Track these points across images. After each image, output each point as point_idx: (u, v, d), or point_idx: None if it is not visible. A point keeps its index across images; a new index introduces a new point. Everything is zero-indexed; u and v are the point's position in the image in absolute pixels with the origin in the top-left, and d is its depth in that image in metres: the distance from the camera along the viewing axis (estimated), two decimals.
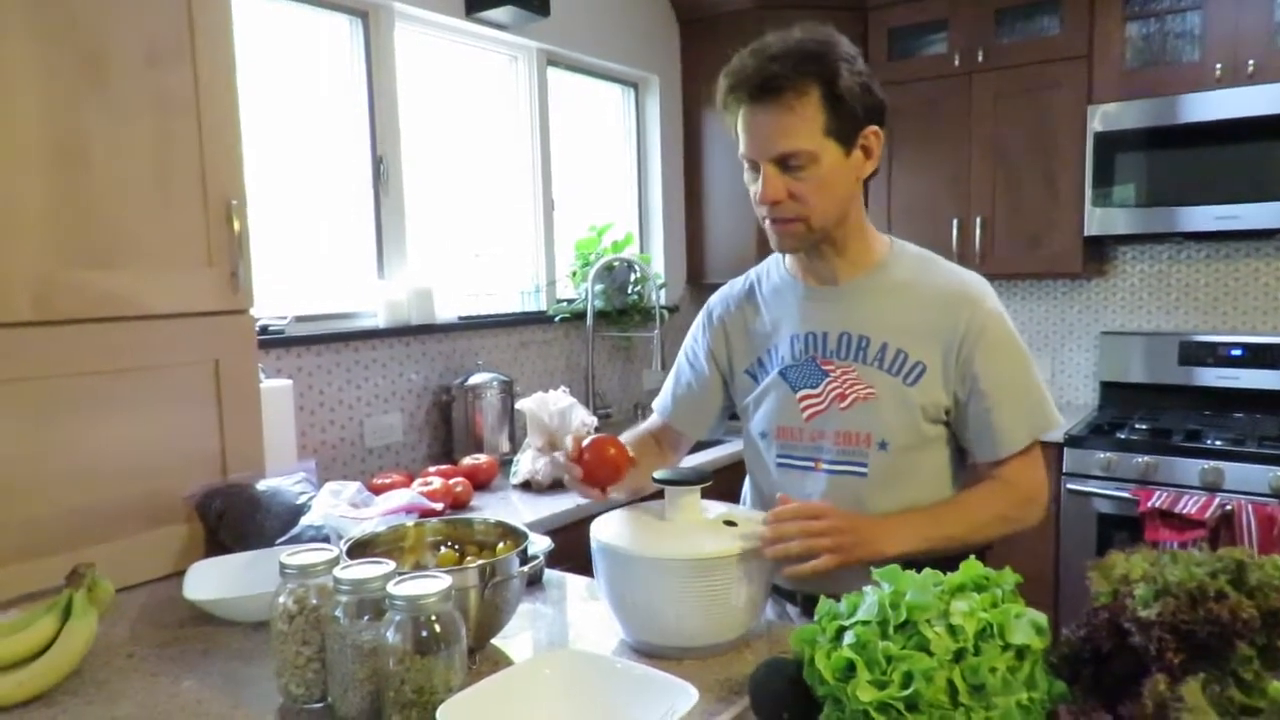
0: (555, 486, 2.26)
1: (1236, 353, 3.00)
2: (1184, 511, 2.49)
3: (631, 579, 1.09)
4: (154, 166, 1.49)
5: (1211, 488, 2.54)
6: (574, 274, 3.19)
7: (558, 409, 2.36)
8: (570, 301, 3.16)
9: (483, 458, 2.37)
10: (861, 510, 1.27)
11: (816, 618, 0.87)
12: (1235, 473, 2.52)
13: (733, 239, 3.53)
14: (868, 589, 0.86)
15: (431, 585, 0.89)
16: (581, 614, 1.30)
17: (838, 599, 0.87)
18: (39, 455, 1.37)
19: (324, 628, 0.96)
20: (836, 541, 1.12)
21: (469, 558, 1.20)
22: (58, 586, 1.15)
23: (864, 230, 1.33)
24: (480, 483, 2.30)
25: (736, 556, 1.07)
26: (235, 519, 1.50)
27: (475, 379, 2.58)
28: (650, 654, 1.09)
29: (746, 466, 1.49)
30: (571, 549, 1.63)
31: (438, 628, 0.88)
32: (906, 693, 0.75)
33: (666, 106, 3.56)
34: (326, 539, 1.46)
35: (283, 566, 0.99)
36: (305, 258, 2.40)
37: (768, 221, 1.28)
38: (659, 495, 1.17)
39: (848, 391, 1.30)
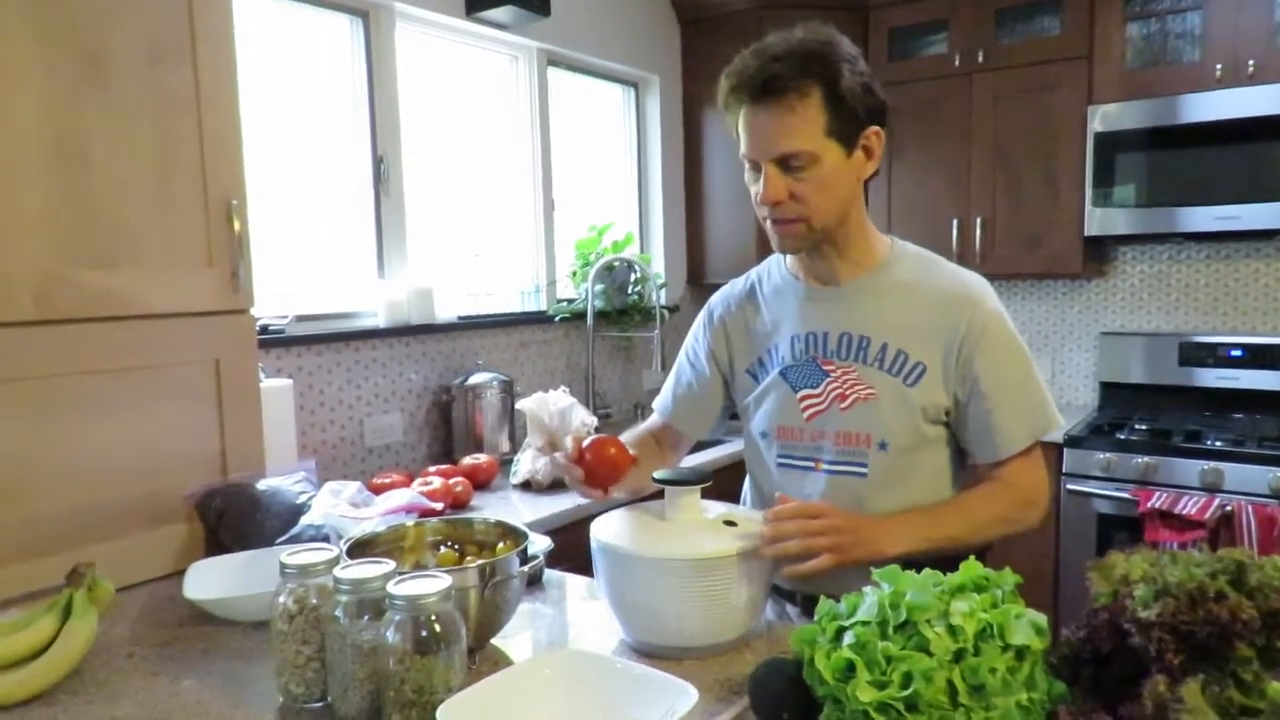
0: (555, 486, 2.26)
1: (1236, 353, 3.00)
2: (1184, 512, 2.49)
3: (631, 579, 1.09)
4: (155, 166, 1.49)
5: (1211, 488, 2.54)
6: (574, 274, 3.19)
7: (558, 409, 2.36)
8: (570, 301, 3.16)
9: (483, 457, 2.37)
10: (861, 510, 1.27)
11: (816, 618, 0.87)
12: (1235, 473, 2.52)
13: (733, 239, 3.53)
14: (867, 589, 0.86)
15: (431, 585, 0.89)
16: (581, 614, 1.30)
17: (837, 599, 0.87)
18: (39, 454, 1.37)
19: (324, 627, 0.96)
20: (835, 541, 1.12)
21: (469, 557, 1.20)
22: (58, 586, 1.16)
23: (865, 230, 1.33)
24: (480, 482, 2.30)
25: (736, 556, 1.07)
26: (235, 518, 1.50)
27: (475, 379, 2.58)
28: (650, 654, 1.09)
29: (747, 466, 1.49)
30: (571, 549, 1.63)
31: (438, 627, 0.88)
32: (906, 693, 0.75)
33: (667, 106, 3.56)
34: (326, 539, 1.46)
35: (283, 566, 0.99)
36: (305, 257, 2.40)
37: (769, 222, 1.28)
38: (659, 495, 1.17)
39: (848, 392, 1.30)
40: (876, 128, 1.26)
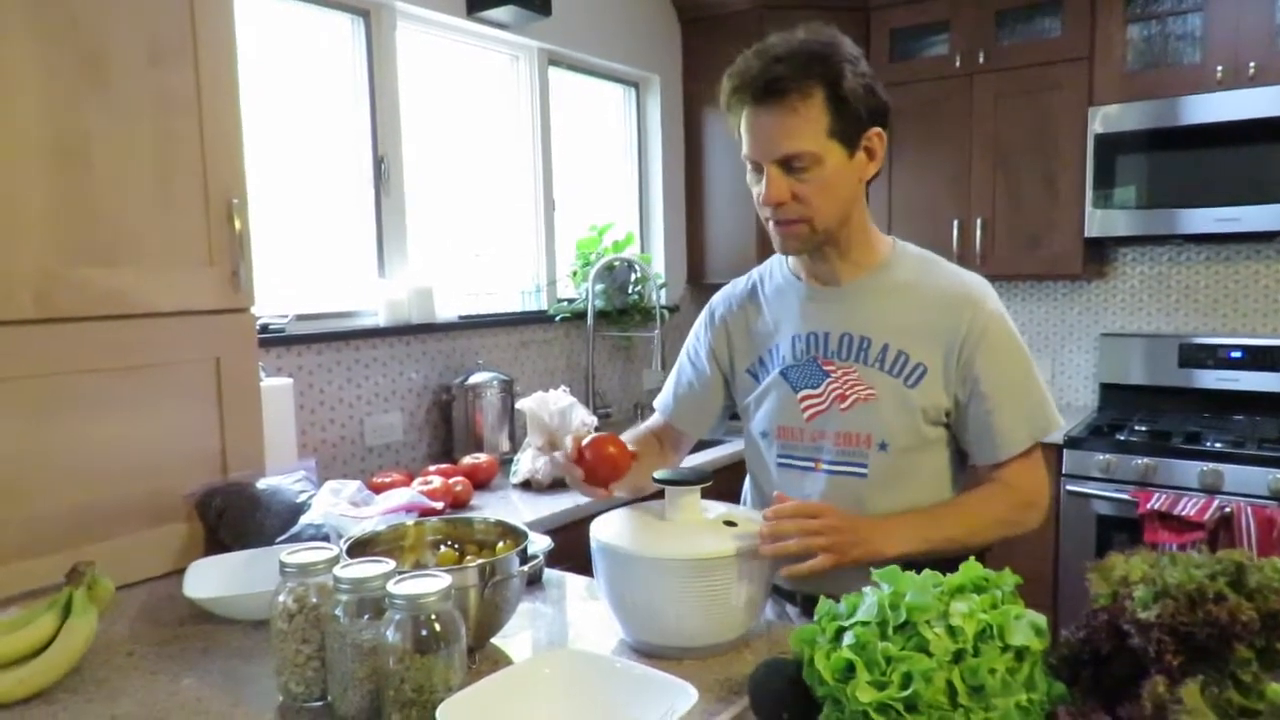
0: (555, 486, 2.26)
1: (1236, 355, 3.00)
2: (1183, 513, 2.49)
3: (631, 579, 1.09)
4: (155, 165, 1.49)
5: (1211, 490, 2.54)
6: (574, 274, 3.19)
7: (558, 408, 2.36)
8: (571, 301, 3.16)
9: (483, 457, 2.37)
10: (861, 511, 1.27)
11: (816, 618, 0.87)
12: (1235, 475, 2.52)
13: (733, 239, 3.53)
14: (867, 590, 0.86)
15: (431, 584, 0.89)
16: (581, 613, 1.30)
17: (837, 599, 0.87)
18: (40, 453, 1.37)
19: (324, 626, 0.96)
20: (833, 541, 1.12)
21: (469, 557, 1.20)
22: (58, 584, 1.16)
23: (866, 231, 1.33)
24: (480, 482, 2.30)
25: (736, 556, 1.07)
26: (235, 517, 1.50)
27: (475, 378, 2.58)
28: (650, 654, 1.09)
29: (747, 466, 1.49)
30: (571, 548, 1.63)
31: (437, 627, 0.88)
32: (906, 693, 0.76)
33: (668, 106, 3.56)
34: (326, 538, 1.46)
35: (283, 565, 0.99)
36: (306, 257, 2.40)
37: (771, 223, 1.28)
38: (659, 495, 1.17)
39: (848, 392, 1.30)
40: (878, 129, 1.26)
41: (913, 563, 0.95)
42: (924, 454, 1.31)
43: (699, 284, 3.67)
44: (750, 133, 1.23)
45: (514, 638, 1.18)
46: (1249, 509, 2.42)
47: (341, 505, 1.57)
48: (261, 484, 1.56)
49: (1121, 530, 2.66)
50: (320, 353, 2.32)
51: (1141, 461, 2.66)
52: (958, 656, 0.76)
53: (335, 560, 1.00)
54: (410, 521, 1.25)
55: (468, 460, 2.34)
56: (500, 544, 1.19)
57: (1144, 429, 2.82)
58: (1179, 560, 0.74)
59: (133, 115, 1.45)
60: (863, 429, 1.30)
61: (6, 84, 1.31)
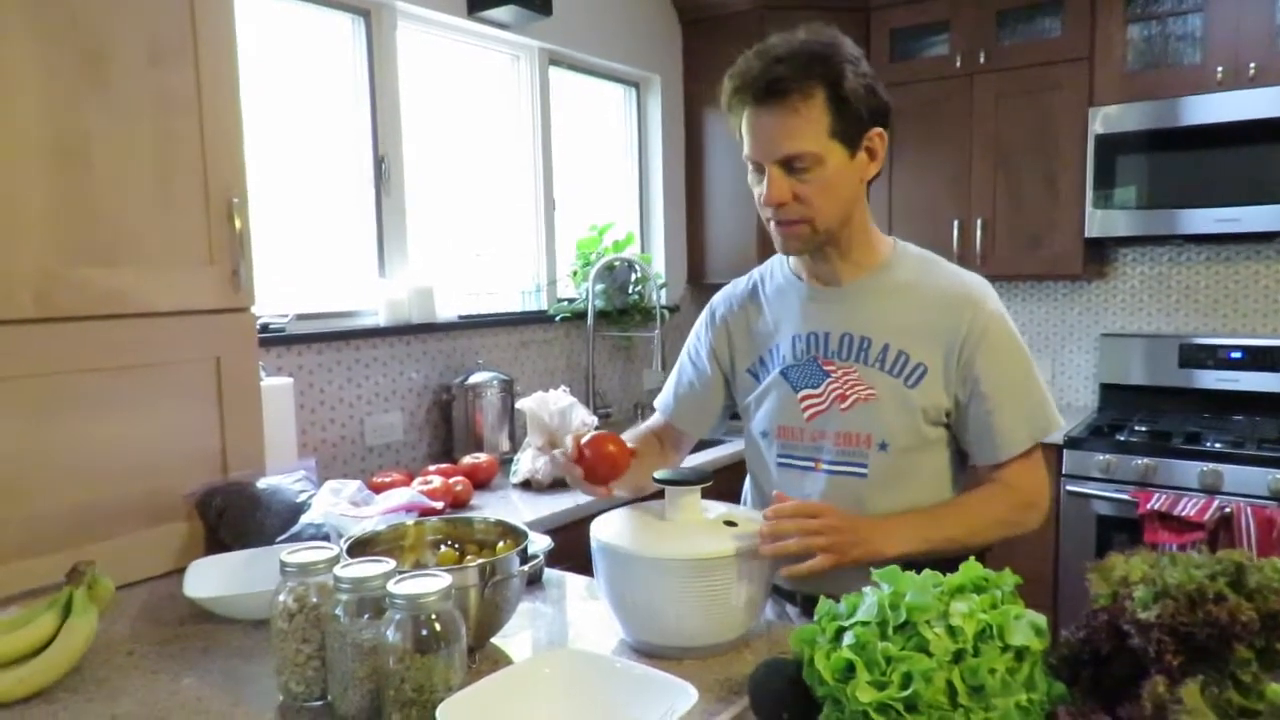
0: (555, 486, 2.26)
1: (1236, 355, 3.01)
2: (1183, 514, 2.49)
3: (631, 579, 1.09)
4: (156, 165, 1.49)
5: (1211, 490, 2.54)
6: (575, 273, 3.19)
7: (558, 408, 2.36)
8: (571, 301, 3.16)
9: (483, 457, 2.37)
10: (861, 511, 1.27)
11: (816, 618, 0.87)
12: (1234, 475, 2.52)
13: (734, 239, 3.53)
14: (867, 590, 0.86)
15: (431, 584, 0.89)
16: (581, 613, 1.30)
17: (837, 599, 0.87)
18: (40, 452, 1.37)
19: (324, 626, 0.96)
20: (832, 541, 1.12)
21: (469, 557, 1.20)
22: (58, 584, 1.16)
23: (867, 232, 1.33)
24: (480, 482, 2.30)
25: (736, 556, 1.07)
26: (235, 517, 1.50)
27: (475, 378, 2.58)
28: (650, 654, 1.09)
29: (747, 466, 1.49)
30: (571, 548, 1.64)
31: (438, 626, 0.88)
32: (906, 693, 0.76)
33: (668, 106, 3.56)
34: (326, 537, 1.46)
35: (283, 565, 0.99)
36: (306, 256, 2.40)
37: (772, 224, 1.28)
38: (660, 495, 1.17)
39: (848, 392, 1.30)
40: (879, 129, 1.26)
41: (913, 563, 0.95)
42: (924, 454, 1.31)
43: (699, 284, 3.67)
44: (751, 133, 1.23)
45: (514, 637, 1.18)
46: (1249, 509, 2.42)
47: (342, 505, 1.57)
48: (262, 483, 1.56)
49: (1121, 530, 2.66)
50: (320, 352, 2.32)
51: (1141, 462, 2.66)
52: (958, 656, 0.76)
53: (335, 560, 1.00)
54: (410, 521, 1.25)
55: (468, 460, 2.34)
56: (500, 544, 1.19)
57: (1144, 429, 2.82)
58: (1179, 560, 0.74)
59: (133, 115, 1.45)
60: (863, 429, 1.30)
61: (6, 84, 1.31)
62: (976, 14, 3.13)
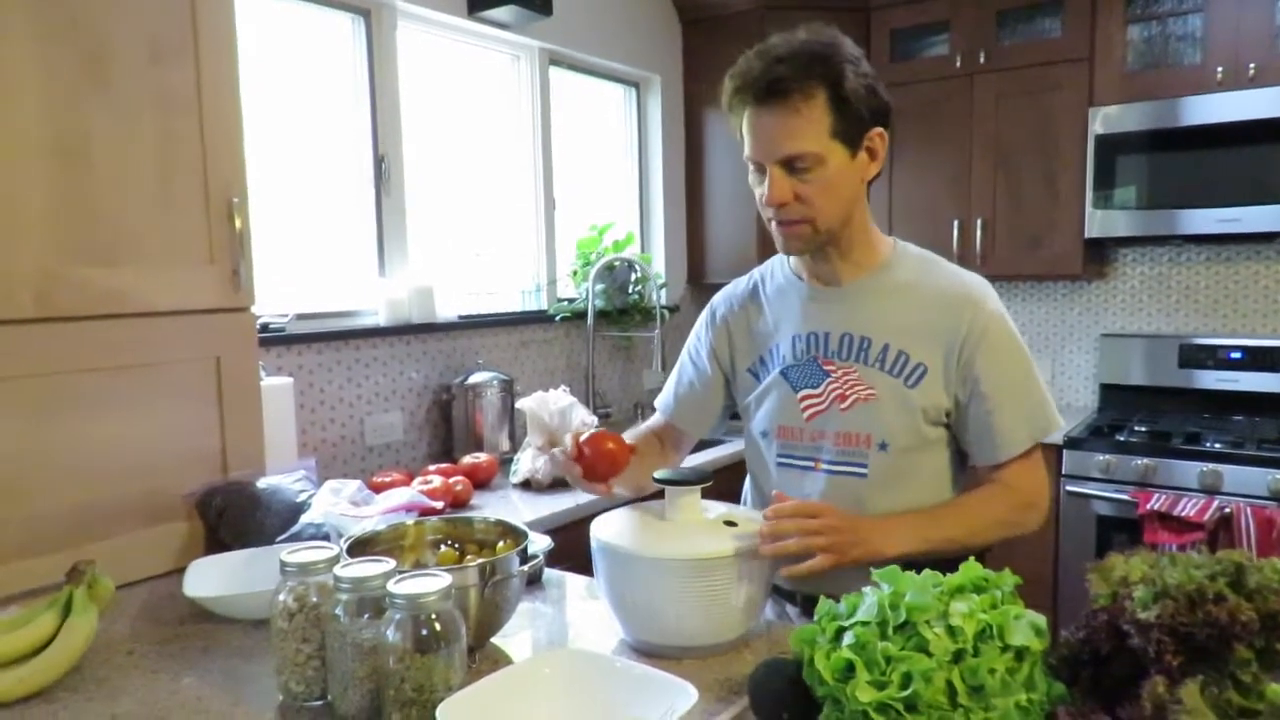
0: (555, 485, 2.26)
1: (1236, 356, 3.01)
2: (1183, 514, 2.49)
3: (631, 579, 1.09)
4: (156, 164, 1.49)
5: (1210, 490, 2.54)
6: (575, 273, 3.19)
7: (558, 408, 2.36)
8: (571, 301, 3.16)
9: (483, 456, 2.37)
10: (861, 511, 1.27)
11: (816, 618, 0.87)
12: (1234, 475, 2.52)
13: (734, 239, 3.53)
14: (867, 590, 0.86)
15: (431, 584, 0.89)
16: (581, 613, 1.30)
17: (837, 599, 0.87)
18: (40, 452, 1.37)
19: (324, 625, 0.96)
20: (832, 541, 1.12)
21: (469, 556, 1.20)
22: (58, 583, 1.16)
23: (868, 232, 1.33)
24: (480, 481, 2.30)
25: (736, 557, 1.07)
26: (235, 516, 1.50)
27: (475, 378, 2.58)
28: (650, 653, 1.09)
29: (747, 466, 1.49)
30: (571, 548, 1.64)
31: (438, 626, 0.88)
32: (905, 693, 0.76)
33: (668, 106, 3.56)
34: (326, 537, 1.46)
35: (283, 564, 0.99)
36: (306, 256, 2.40)
37: (773, 224, 1.28)
38: (660, 495, 1.17)
39: (848, 392, 1.30)
40: (880, 129, 1.26)
41: (912, 563, 0.95)
42: (924, 454, 1.31)
43: (699, 284, 3.67)
44: (752, 134, 1.23)
45: (514, 637, 1.18)
46: (1248, 509, 2.42)
47: (341, 505, 1.57)
48: (262, 483, 1.56)
49: (1121, 531, 2.66)
50: (320, 352, 2.32)
51: (1141, 462, 2.66)
52: (957, 656, 0.77)
53: (335, 559, 1.00)
54: (410, 521, 1.25)
55: (468, 460, 2.34)
56: (500, 544, 1.19)
57: (1144, 429, 2.82)
58: (1179, 561, 0.74)
59: (133, 114, 1.45)
60: (862, 429, 1.30)
61: (6, 84, 1.31)
62: (976, 14, 3.13)
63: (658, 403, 1.57)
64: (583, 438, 1.25)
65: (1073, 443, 2.78)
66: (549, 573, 1.40)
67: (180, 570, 1.37)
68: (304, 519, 1.50)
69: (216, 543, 1.51)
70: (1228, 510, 2.44)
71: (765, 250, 1.41)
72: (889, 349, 1.29)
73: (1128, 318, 3.30)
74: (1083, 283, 3.36)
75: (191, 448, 1.56)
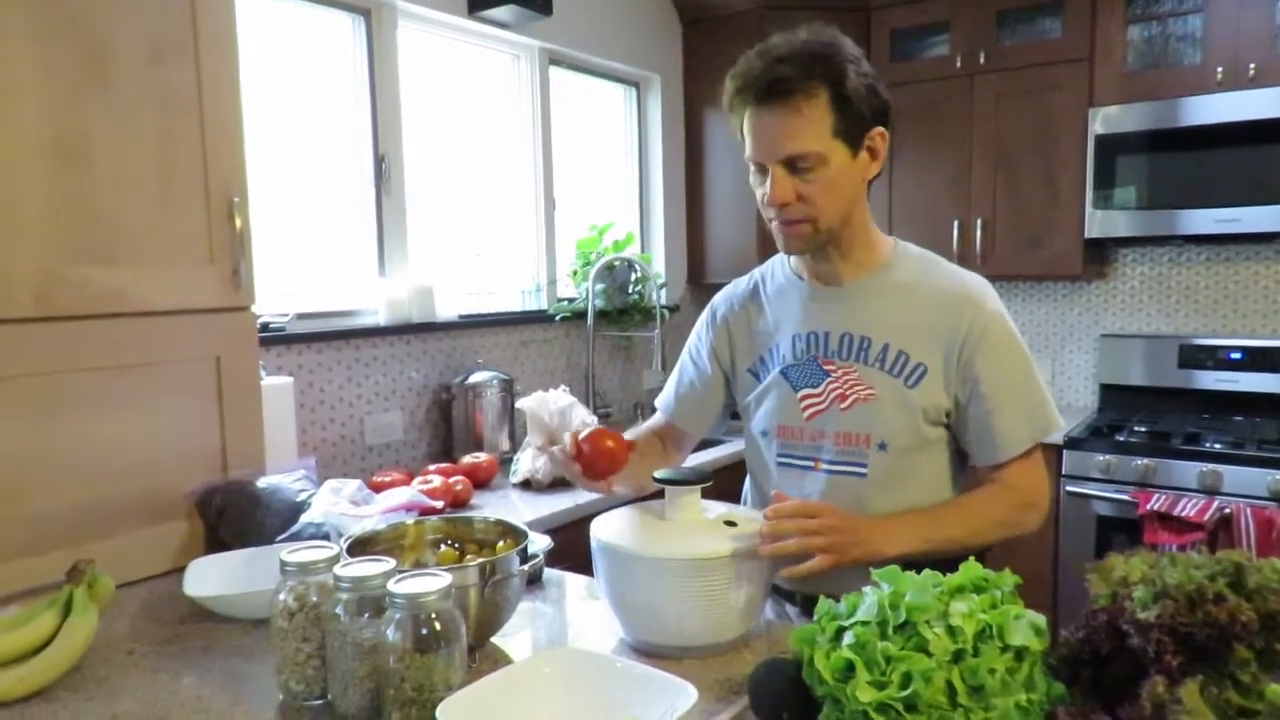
0: (555, 485, 2.26)
1: (1236, 356, 3.01)
2: (1183, 514, 2.49)
3: (631, 578, 1.09)
4: (156, 164, 1.49)
5: (1210, 491, 2.54)
6: (575, 273, 3.20)
7: (558, 408, 2.36)
8: (571, 301, 3.16)
9: (483, 456, 2.37)
10: (861, 511, 1.27)
11: (816, 618, 0.87)
12: (1234, 476, 2.52)
13: (734, 239, 3.53)
14: (867, 589, 0.87)
15: (432, 583, 0.89)
16: (581, 613, 1.30)
17: (837, 599, 0.87)
18: (40, 451, 1.37)
19: (324, 625, 0.96)
20: (831, 541, 1.12)
21: (469, 556, 1.20)
22: (58, 582, 1.16)
23: (868, 232, 1.33)
24: (480, 481, 2.30)
25: (736, 557, 1.07)
26: (235, 516, 1.50)
27: (475, 377, 2.58)
28: (650, 653, 1.09)
29: (747, 466, 1.49)
30: (571, 548, 1.64)
31: (438, 626, 0.88)
32: (905, 693, 0.76)
33: (668, 106, 3.56)
34: (326, 536, 1.46)
35: (283, 564, 0.99)
36: (307, 255, 2.40)
37: (775, 223, 1.28)
38: (660, 495, 1.17)
39: (848, 392, 1.30)
40: (881, 128, 1.26)
41: (912, 563, 0.95)
42: (924, 454, 1.31)
43: (699, 284, 3.67)
44: (754, 134, 1.23)
45: (514, 637, 1.18)
46: (1248, 510, 2.42)
47: (342, 504, 1.57)
48: (262, 483, 1.56)
49: (1121, 531, 2.67)
50: (320, 351, 2.32)
51: (1141, 462, 2.66)
52: (957, 656, 0.77)
53: (335, 559, 1.00)
54: (410, 520, 1.25)
55: (468, 459, 2.34)
56: (500, 543, 1.19)
57: (1144, 430, 2.82)
58: (1178, 561, 0.74)
59: (133, 114, 1.45)
60: (862, 429, 1.30)
61: (6, 84, 1.31)
62: (977, 14, 3.13)
63: (658, 402, 1.57)
64: (581, 436, 1.25)
65: (1073, 443, 2.79)
66: (549, 572, 1.40)
67: (180, 569, 1.37)
68: (304, 518, 1.50)
69: (216, 542, 1.51)
70: (1227, 511, 2.44)
71: (765, 250, 1.41)
72: (889, 349, 1.29)
73: (1128, 318, 3.31)
74: (1083, 283, 3.36)
75: (191, 447, 1.56)
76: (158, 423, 1.51)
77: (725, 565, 1.06)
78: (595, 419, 2.41)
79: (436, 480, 2.09)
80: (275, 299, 2.24)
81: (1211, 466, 2.55)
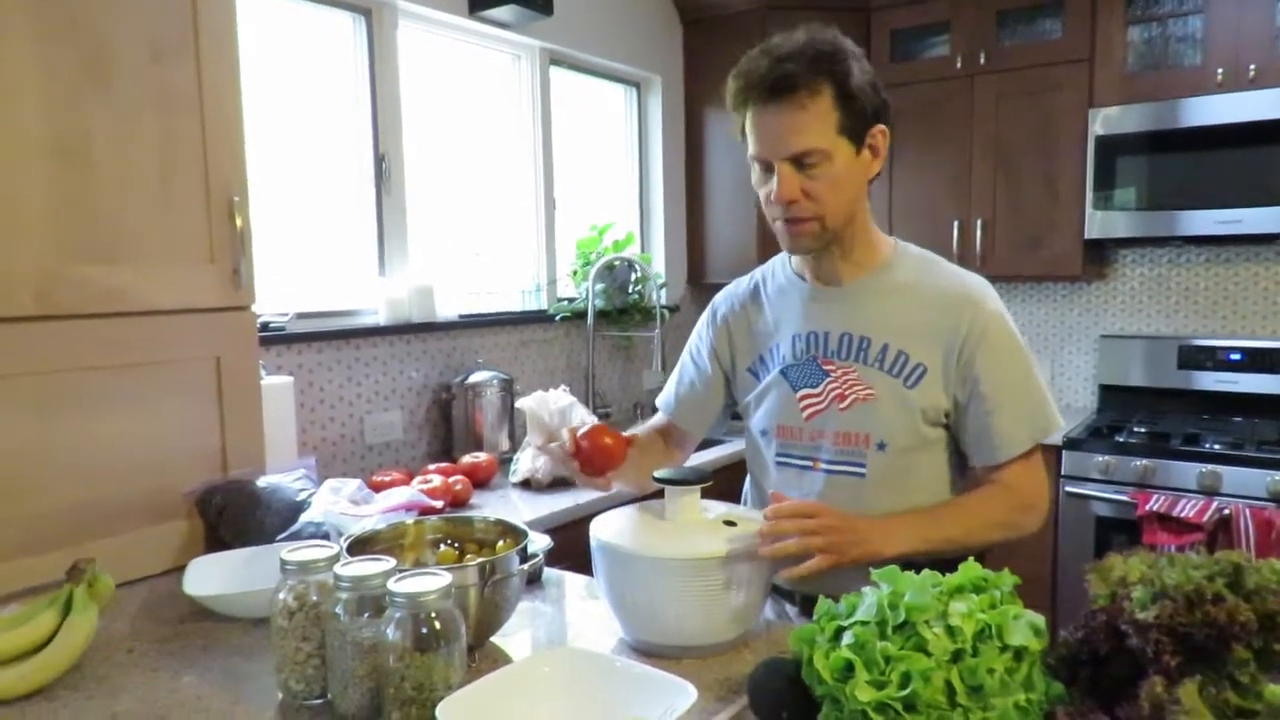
0: (555, 485, 2.27)
1: (1235, 357, 3.01)
2: (1182, 515, 2.49)
3: (631, 578, 1.09)
4: (157, 163, 1.49)
5: (1209, 491, 2.54)
6: (575, 273, 3.20)
7: (558, 408, 2.36)
8: (571, 300, 3.16)
9: (482, 456, 2.37)
10: (860, 511, 1.26)
11: (815, 618, 0.87)
12: (1233, 477, 2.52)
13: (734, 239, 3.53)
14: (866, 589, 0.87)
15: (431, 582, 0.89)
16: (581, 612, 1.30)
17: (836, 599, 0.87)
18: (41, 450, 1.37)
19: (324, 624, 0.96)
20: (830, 541, 1.12)
21: (468, 555, 1.20)
22: (59, 581, 1.16)
23: (869, 231, 1.34)
24: (480, 481, 2.30)
25: (736, 557, 1.07)
26: (235, 515, 1.51)
27: (475, 377, 2.58)
28: (649, 653, 1.09)
29: (747, 465, 1.49)
30: (571, 547, 1.64)
31: (438, 625, 0.88)
32: (904, 693, 0.76)
33: (669, 106, 3.56)
34: (326, 536, 1.46)
35: (283, 563, 0.99)
36: (307, 255, 2.41)
37: (780, 223, 1.28)
38: (660, 494, 1.17)
39: (847, 392, 1.30)
40: (882, 126, 1.26)
41: (911, 563, 0.95)
42: (923, 454, 1.31)
43: (699, 284, 3.67)
44: (759, 131, 1.23)
45: (514, 636, 1.19)
46: (1247, 511, 2.42)
47: (341, 503, 1.57)
48: (262, 482, 1.56)
49: (1120, 531, 2.67)
50: (320, 351, 2.32)
51: (1140, 463, 2.66)
52: (956, 656, 0.77)
53: (335, 558, 1.00)
54: (410, 520, 1.25)
55: (467, 459, 2.34)
56: (500, 543, 1.19)
57: (1143, 430, 2.82)
58: (1177, 561, 0.74)
59: (134, 113, 1.45)
60: (861, 429, 1.30)
61: (6, 84, 1.31)
62: (977, 15, 3.14)
63: (659, 401, 1.57)
64: (579, 432, 1.25)
65: (1072, 443, 2.79)
66: (549, 572, 1.40)
67: (180, 569, 1.37)
68: (304, 518, 1.50)
69: (216, 541, 1.51)
70: (1226, 511, 2.44)
71: (765, 250, 1.41)
72: (888, 349, 1.29)
73: (1127, 319, 3.31)
74: (1082, 284, 3.36)
75: (192, 446, 1.56)
76: (158, 422, 1.51)
77: (725, 565, 1.06)
78: (595, 419, 2.41)
79: (436, 480, 2.09)
80: (275, 298, 2.24)
81: (1211, 467, 2.55)
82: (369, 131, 2.52)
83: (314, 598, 0.97)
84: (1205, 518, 2.45)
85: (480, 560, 1.07)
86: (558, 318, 3.04)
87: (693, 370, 1.51)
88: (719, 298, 1.51)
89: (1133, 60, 2.95)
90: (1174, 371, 3.11)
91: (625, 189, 3.56)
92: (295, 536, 1.45)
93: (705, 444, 2.70)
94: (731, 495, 1.40)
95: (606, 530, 1.13)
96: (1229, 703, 0.67)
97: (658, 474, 1.17)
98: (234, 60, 1.58)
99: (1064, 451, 2.78)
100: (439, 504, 1.89)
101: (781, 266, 1.43)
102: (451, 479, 2.13)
